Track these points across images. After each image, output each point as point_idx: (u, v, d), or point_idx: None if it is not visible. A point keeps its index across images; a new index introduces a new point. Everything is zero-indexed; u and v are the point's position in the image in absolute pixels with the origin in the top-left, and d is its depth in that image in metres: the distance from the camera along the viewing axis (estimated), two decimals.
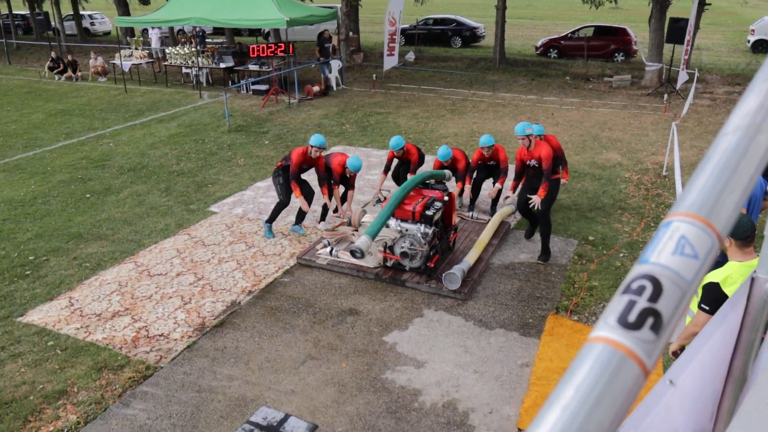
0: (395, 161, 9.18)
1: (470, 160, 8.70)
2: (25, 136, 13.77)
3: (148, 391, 5.27)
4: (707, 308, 3.67)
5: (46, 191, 10.24)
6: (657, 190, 9.80)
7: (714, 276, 3.69)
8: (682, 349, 3.85)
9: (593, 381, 0.59)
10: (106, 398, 5.21)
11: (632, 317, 0.63)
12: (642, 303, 0.64)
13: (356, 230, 7.77)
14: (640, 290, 0.65)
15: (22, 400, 5.20)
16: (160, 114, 15.70)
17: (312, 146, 7.91)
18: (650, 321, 0.63)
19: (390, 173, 9.21)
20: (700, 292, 3.72)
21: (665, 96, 15.85)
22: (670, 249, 0.68)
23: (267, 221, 8.22)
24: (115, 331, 6.16)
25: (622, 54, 23.94)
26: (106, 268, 7.52)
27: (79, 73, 21.03)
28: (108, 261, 7.70)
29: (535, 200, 7.21)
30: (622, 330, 0.62)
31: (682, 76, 16.79)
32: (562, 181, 8.66)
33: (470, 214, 8.67)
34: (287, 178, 8.02)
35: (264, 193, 9.91)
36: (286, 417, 4.93)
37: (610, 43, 24.11)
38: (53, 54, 21.56)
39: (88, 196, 10.02)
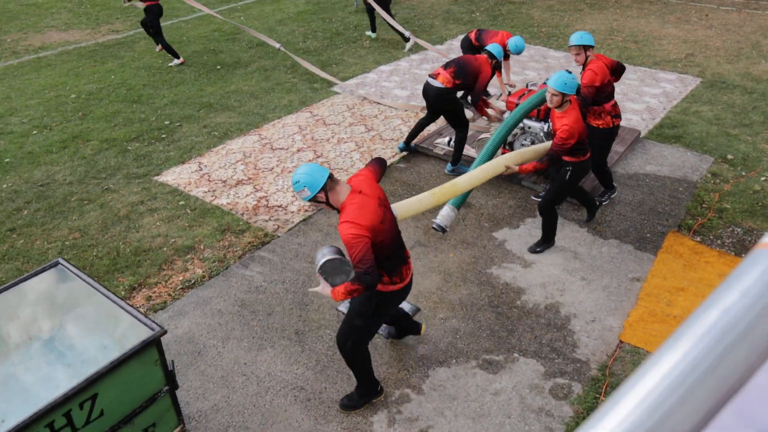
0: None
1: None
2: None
3: (265, 257, 5.64)
4: None
5: None
6: None
7: None
8: None
9: (764, 288, 0.54)
10: (228, 258, 5.64)
11: None
12: None
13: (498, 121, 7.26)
14: None
15: (157, 250, 5.74)
16: None
17: (496, 59, 6.63)
18: None
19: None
20: None
21: None
22: None
23: (453, 162, 6.96)
24: (238, 197, 6.56)
25: None
26: (233, 138, 7.90)
27: None
28: (234, 131, 8.07)
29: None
30: None
31: None
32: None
33: None
34: (457, 101, 6.77)
35: (387, 77, 9.83)
36: None
37: None
38: None
39: (218, 67, 10.39)
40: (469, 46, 8.05)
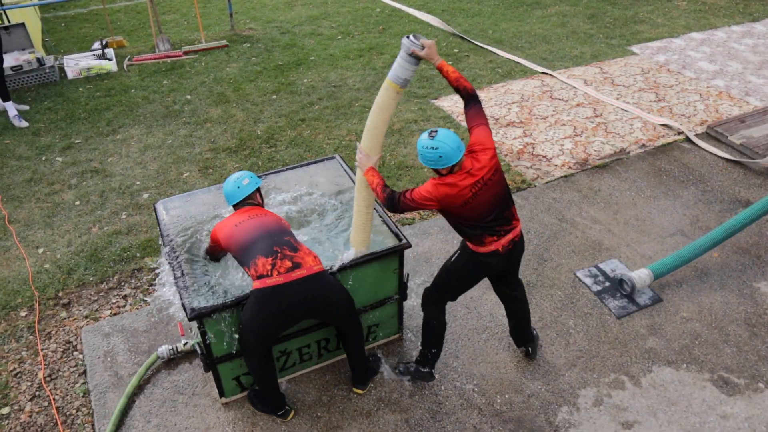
0: None
1: None
2: None
3: (516, 202, 5.59)
4: None
5: None
6: None
7: None
8: None
9: None
10: None
11: None
12: None
13: None
14: None
15: (418, 169, 6.01)
16: None
17: None
18: None
19: None
20: None
21: None
22: None
23: None
24: (505, 137, 6.53)
25: None
26: (515, 78, 7.81)
27: None
28: (518, 72, 7.96)
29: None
30: None
31: None
32: None
33: None
34: None
35: (696, 46, 8.80)
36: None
37: None
38: None
39: (517, 6, 10.22)
40: None
